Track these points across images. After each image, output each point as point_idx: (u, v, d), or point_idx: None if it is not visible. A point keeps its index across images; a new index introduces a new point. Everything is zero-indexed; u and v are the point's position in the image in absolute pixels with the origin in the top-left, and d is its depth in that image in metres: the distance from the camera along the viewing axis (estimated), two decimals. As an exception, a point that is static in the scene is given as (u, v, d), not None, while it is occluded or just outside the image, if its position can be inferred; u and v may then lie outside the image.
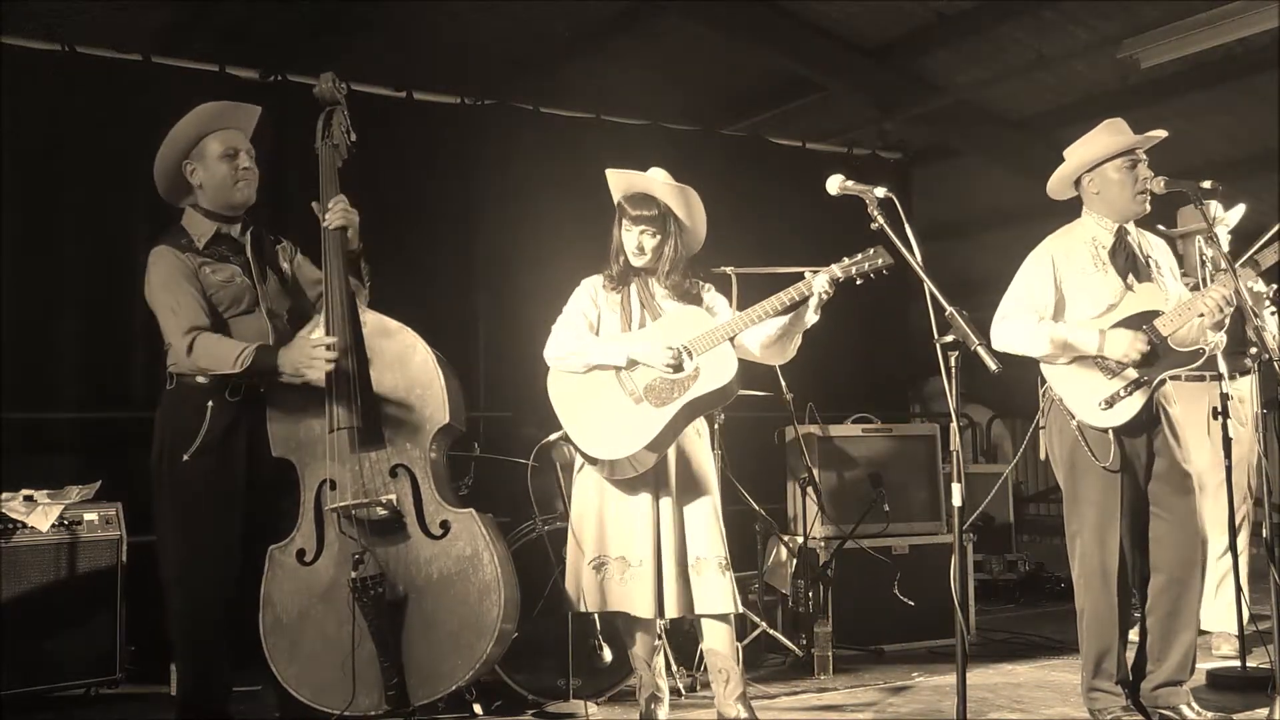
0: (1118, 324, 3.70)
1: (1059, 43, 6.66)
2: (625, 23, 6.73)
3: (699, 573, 3.60)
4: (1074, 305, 3.78)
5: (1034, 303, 3.78)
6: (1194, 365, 3.70)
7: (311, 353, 3.38)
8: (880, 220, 3.18)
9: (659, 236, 3.72)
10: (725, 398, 3.60)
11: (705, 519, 3.66)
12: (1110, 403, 3.65)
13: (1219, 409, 4.25)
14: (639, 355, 3.59)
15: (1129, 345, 3.64)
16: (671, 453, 3.65)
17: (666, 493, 3.64)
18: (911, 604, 5.16)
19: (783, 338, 3.66)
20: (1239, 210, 4.75)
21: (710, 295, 3.84)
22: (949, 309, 3.00)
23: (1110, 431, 3.67)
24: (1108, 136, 3.81)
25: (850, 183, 3.28)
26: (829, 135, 7.68)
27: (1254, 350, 3.84)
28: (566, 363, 3.69)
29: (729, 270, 4.09)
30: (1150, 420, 3.71)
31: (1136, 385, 3.66)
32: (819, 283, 3.49)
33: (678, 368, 3.54)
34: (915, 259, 3.13)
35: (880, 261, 3.47)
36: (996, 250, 4.10)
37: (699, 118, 7.08)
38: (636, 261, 3.74)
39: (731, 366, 3.55)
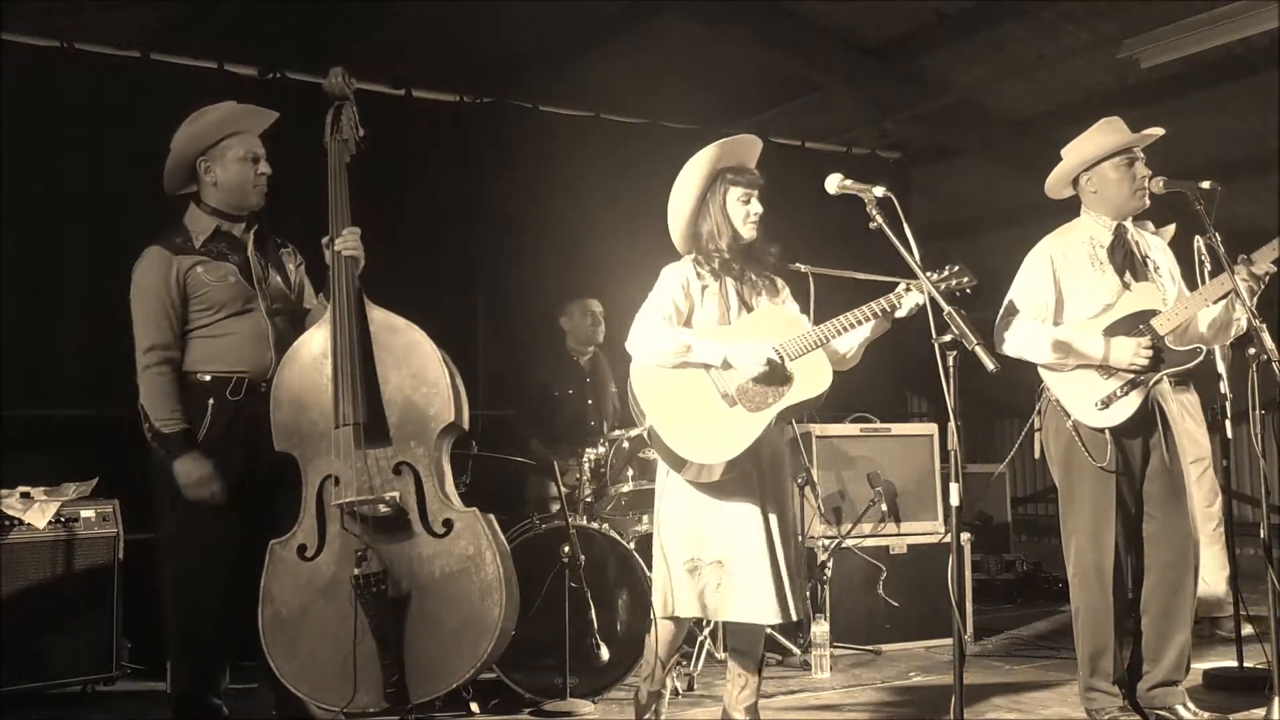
0: (1115, 323, 3.71)
1: (1059, 43, 6.65)
2: (625, 22, 6.72)
3: (795, 576, 3.42)
4: (1072, 304, 3.78)
5: (1035, 305, 3.78)
6: (1191, 365, 3.71)
7: (202, 486, 3.37)
8: (879, 220, 3.18)
9: (763, 204, 3.51)
10: (816, 405, 3.43)
11: (792, 521, 3.50)
12: (1106, 403, 3.66)
13: (1217, 409, 4.26)
14: (735, 359, 3.35)
15: (1134, 353, 3.64)
16: (765, 454, 3.46)
17: (763, 494, 3.43)
18: (897, 604, 5.16)
19: (860, 348, 3.54)
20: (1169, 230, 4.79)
21: (784, 288, 3.66)
22: (947, 309, 3.00)
23: (1106, 431, 3.67)
24: (1105, 135, 3.81)
25: (849, 182, 3.28)
26: (828, 134, 7.68)
27: (1252, 350, 3.84)
28: (655, 357, 3.41)
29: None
30: (1146, 420, 3.71)
31: (1133, 385, 3.67)
32: (910, 302, 3.35)
33: (772, 378, 3.35)
34: (914, 259, 3.13)
35: (965, 280, 3.34)
36: (996, 250, 4.10)
37: (699, 117, 7.07)
38: (750, 234, 3.49)
39: (828, 375, 3.36)
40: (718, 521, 3.39)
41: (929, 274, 3.28)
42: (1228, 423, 4.25)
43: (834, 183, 3.29)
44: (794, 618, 3.38)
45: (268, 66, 5.69)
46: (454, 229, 6.24)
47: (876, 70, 7.21)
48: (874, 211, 3.19)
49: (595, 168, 6.36)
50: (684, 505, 3.43)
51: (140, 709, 4.31)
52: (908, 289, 3.35)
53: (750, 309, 3.51)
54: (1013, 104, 7.54)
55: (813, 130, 7.54)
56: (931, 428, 5.72)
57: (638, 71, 6.89)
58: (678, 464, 3.39)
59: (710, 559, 3.37)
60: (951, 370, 3.00)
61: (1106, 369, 3.69)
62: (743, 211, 3.49)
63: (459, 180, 6.20)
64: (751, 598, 3.33)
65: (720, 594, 3.36)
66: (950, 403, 2.99)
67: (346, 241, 3.54)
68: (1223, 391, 4.30)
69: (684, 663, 4.54)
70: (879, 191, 3.20)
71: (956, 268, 3.34)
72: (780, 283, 3.64)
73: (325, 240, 3.57)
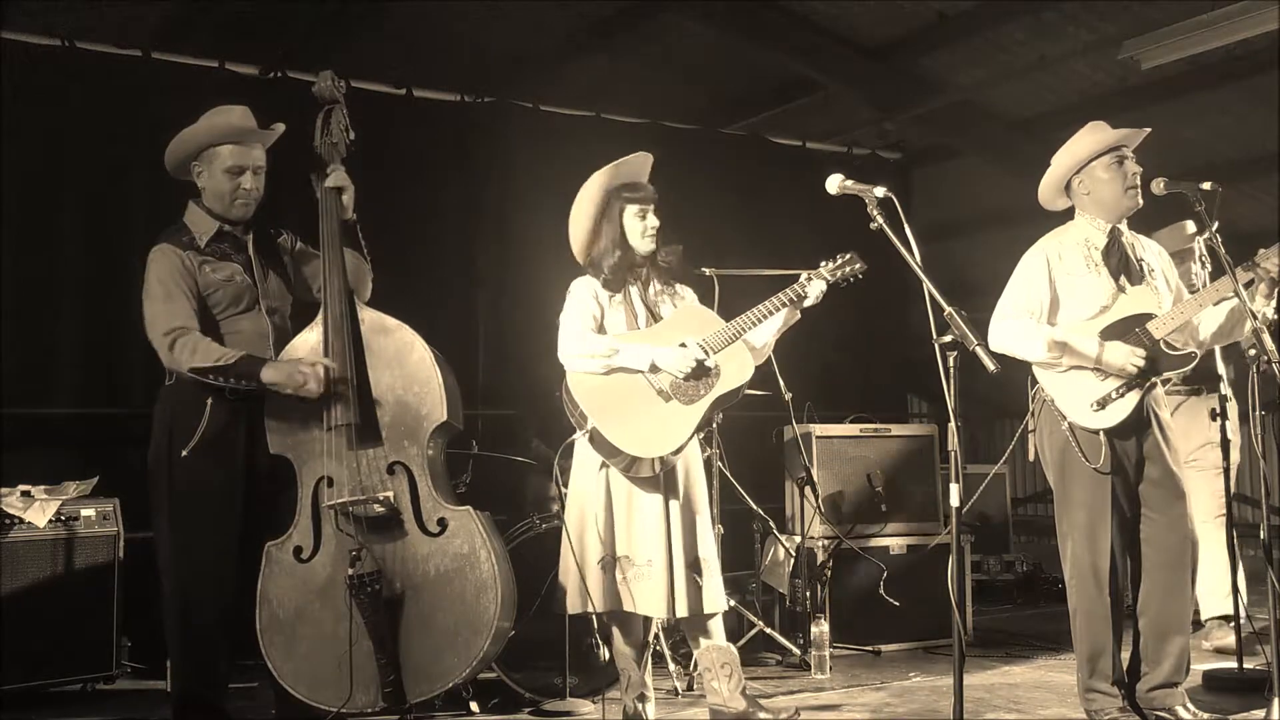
0: (1110, 326, 3.71)
1: (1060, 43, 6.65)
2: (625, 21, 6.72)
3: (705, 571, 3.63)
4: (1066, 307, 3.78)
5: (1030, 305, 3.78)
6: (1186, 369, 3.71)
7: (297, 371, 3.39)
8: (880, 220, 3.18)
9: (659, 217, 3.75)
10: (739, 395, 3.66)
11: (707, 519, 3.72)
12: (1102, 404, 3.66)
13: (1216, 410, 4.26)
14: (662, 363, 3.58)
15: (1127, 357, 3.63)
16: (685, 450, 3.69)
17: (674, 493, 3.64)
18: (898, 604, 5.16)
19: (773, 338, 3.78)
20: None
21: (690, 295, 3.88)
22: (948, 309, 3.00)
23: (1101, 433, 3.67)
24: (1092, 136, 3.82)
25: (850, 182, 3.28)
26: (829, 135, 7.67)
27: (1252, 352, 3.84)
28: (585, 364, 3.63)
29: (709, 271, 4.12)
30: (1141, 423, 3.71)
31: (1129, 387, 3.67)
32: (816, 289, 3.63)
33: (700, 372, 3.57)
34: (914, 259, 3.13)
35: (858, 266, 3.68)
36: (996, 250, 4.10)
37: (699, 117, 7.08)
38: (645, 248, 3.71)
39: (750, 364, 3.64)
40: (632, 518, 3.61)
41: (825, 263, 3.67)
42: (1228, 424, 4.25)
43: (835, 183, 3.30)
44: (680, 614, 3.58)
45: (268, 66, 5.68)
46: (454, 228, 6.24)
47: (877, 70, 7.21)
48: (875, 212, 3.19)
49: (595, 168, 6.35)
50: (601, 507, 3.62)
51: (140, 709, 4.30)
52: (809, 279, 3.64)
53: (656, 315, 3.72)
54: (1013, 105, 7.54)
55: (813, 130, 7.54)
56: (932, 428, 5.72)
57: (638, 71, 6.89)
58: (623, 461, 3.57)
59: (620, 554, 3.60)
60: (952, 371, 3.00)
61: (1102, 370, 3.68)
62: (640, 226, 3.72)
63: (459, 179, 6.20)
64: (651, 592, 3.55)
65: (630, 586, 3.58)
66: (951, 403, 2.98)
67: (337, 176, 3.58)
68: (1223, 393, 4.30)
69: (684, 662, 4.54)
70: (880, 192, 3.21)
71: (849, 255, 3.68)
72: (682, 288, 3.87)
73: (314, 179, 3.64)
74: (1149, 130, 3.80)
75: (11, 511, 4.29)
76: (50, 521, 4.35)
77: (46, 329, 5.20)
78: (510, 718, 4.11)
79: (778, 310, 3.64)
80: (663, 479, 3.62)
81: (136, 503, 4.48)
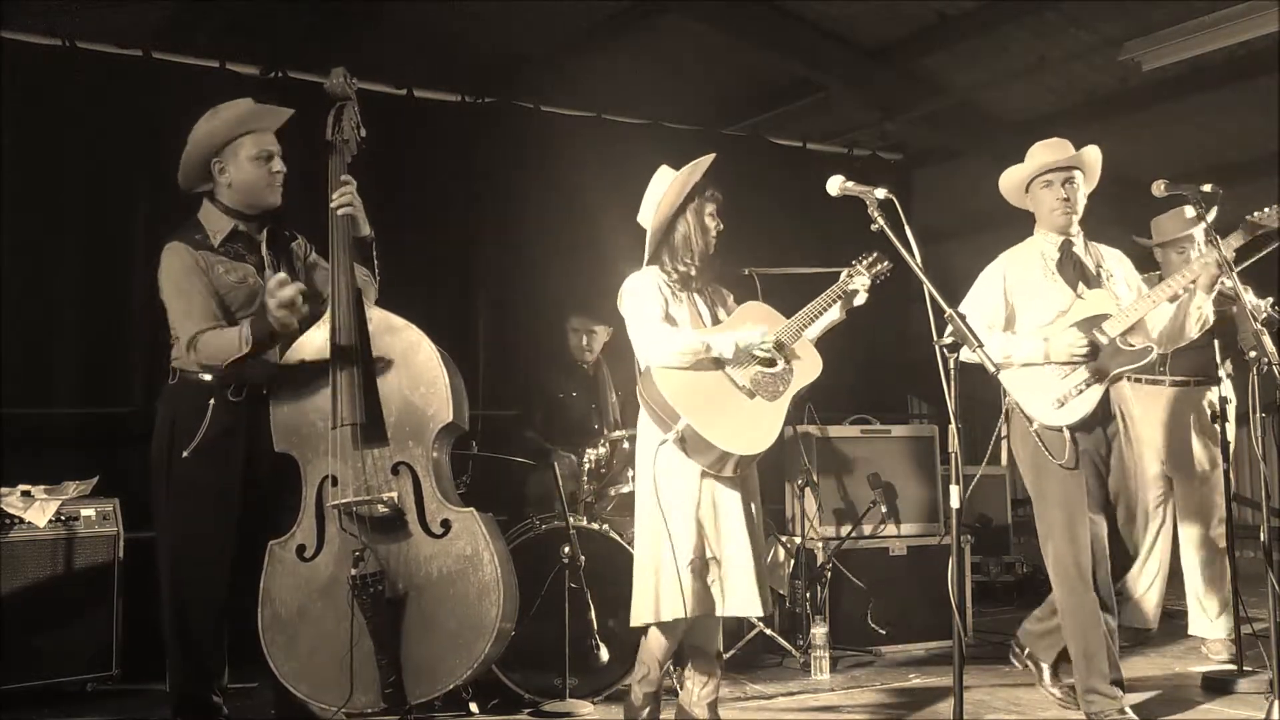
0: (1069, 328, 3.82)
1: (1061, 44, 6.65)
2: (626, 22, 6.71)
3: (759, 571, 3.60)
4: (1025, 314, 3.92)
5: (986, 318, 3.91)
6: (1143, 363, 3.79)
7: (273, 298, 3.30)
8: (880, 222, 3.19)
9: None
10: (812, 387, 3.72)
11: (761, 519, 3.71)
12: (1063, 401, 3.75)
13: (1217, 412, 4.27)
14: (744, 342, 3.56)
15: (1069, 347, 3.76)
16: None
17: (749, 492, 3.63)
18: (884, 633, 5.16)
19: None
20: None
21: (729, 295, 3.88)
22: (948, 310, 3.01)
23: (1065, 430, 3.73)
24: (1034, 155, 3.99)
25: (850, 184, 3.29)
26: (829, 136, 7.67)
27: (1253, 354, 3.85)
28: (678, 360, 3.55)
29: (748, 271, 4.09)
30: (1105, 418, 3.82)
31: (1087, 384, 3.77)
32: (860, 285, 3.66)
33: (772, 360, 3.59)
34: (915, 260, 3.13)
35: (886, 264, 3.70)
36: (996, 252, 4.12)
37: (699, 118, 7.07)
38: (712, 248, 3.73)
39: (818, 358, 3.67)
40: (713, 520, 3.54)
41: (856, 261, 3.70)
42: (1229, 425, 4.26)
43: (835, 184, 3.31)
44: (770, 611, 3.65)
45: (269, 66, 5.68)
46: (454, 229, 6.24)
47: (878, 71, 7.20)
48: (876, 213, 3.20)
49: (595, 168, 6.36)
50: (688, 507, 3.52)
51: (140, 707, 4.31)
52: (850, 275, 3.68)
53: (714, 315, 3.71)
54: (1014, 106, 7.53)
55: (814, 131, 7.54)
56: (932, 429, 5.73)
57: (638, 71, 6.88)
58: (717, 461, 3.49)
59: (710, 555, 3.52)
60: (952, 372, 3.01)
61: (1062, 370, 3.78)
62: (715, 226, 3.72)
63: (460, 180, 6.20)
64: (744, 592, 3.50)
65: (717, 589, 3.51)
66: (951, 405, 2.99)
67: (341, 197, 3.54)
68: (1223, 394, 4.30)
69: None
70: (880, 193, 3.22)
71: (875, 254, 3.70)
72: (725, 291, 3.87)
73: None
74: (1092, 146, 3.92)
75: (11, 511, 4.29)
76: (50, 521, 4.36)
77: (46, 329, 5.20)
78: (510, 718, 4.11)
79: (831, 305, 3.67)
80: (740, 478, 3.59)
81: (136, 503, 4.48)
